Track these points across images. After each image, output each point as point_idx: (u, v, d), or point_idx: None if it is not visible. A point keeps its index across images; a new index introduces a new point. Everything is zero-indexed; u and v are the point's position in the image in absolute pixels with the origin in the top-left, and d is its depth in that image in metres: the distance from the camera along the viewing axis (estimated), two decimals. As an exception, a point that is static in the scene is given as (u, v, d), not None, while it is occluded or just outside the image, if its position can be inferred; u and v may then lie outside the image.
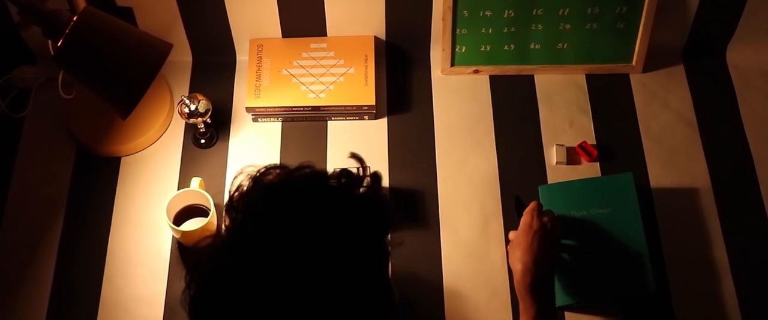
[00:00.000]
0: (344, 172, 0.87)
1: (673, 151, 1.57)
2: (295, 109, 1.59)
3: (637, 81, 1.65)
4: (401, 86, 1.65)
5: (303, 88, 1.60)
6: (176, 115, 1.60)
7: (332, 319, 0.83)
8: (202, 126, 1.56)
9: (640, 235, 1.43)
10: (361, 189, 0.86)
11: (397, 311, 0.92)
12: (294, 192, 0.85)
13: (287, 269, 0.81)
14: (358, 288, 0.84)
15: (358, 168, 0.89)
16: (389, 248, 0.87)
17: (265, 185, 0.87)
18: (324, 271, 0.81)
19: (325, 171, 0.87)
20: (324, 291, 0.82)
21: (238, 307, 0.82)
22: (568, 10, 1.58)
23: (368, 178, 0.87)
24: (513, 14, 1.59)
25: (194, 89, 1.64)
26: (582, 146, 1.56)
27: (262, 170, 0.89)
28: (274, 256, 0.81)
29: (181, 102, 1.51)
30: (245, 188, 0.88)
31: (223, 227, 0.88)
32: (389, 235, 0.87)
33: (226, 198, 0.90)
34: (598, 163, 1.56)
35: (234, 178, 0.89)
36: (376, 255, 0.87)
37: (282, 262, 0.81)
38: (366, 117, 1.61)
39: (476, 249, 1.48)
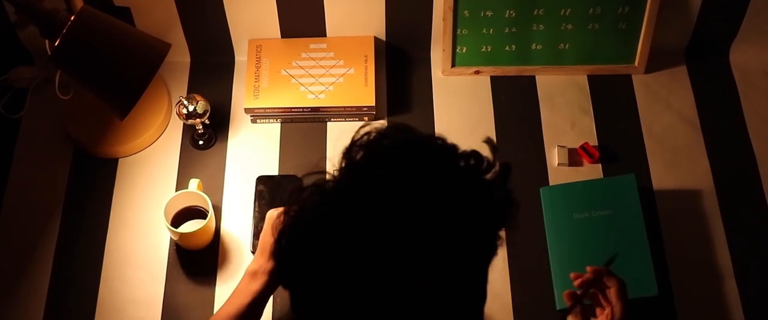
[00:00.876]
0: (474, 154, 0.82)
1: (675, 153, 1.58)
2: (295, 110, 1.59)
3: (639, 82, 1.65)
4: (401, 87, 1.65)
5: (302, 88, 1.61)
6: (174, 116, 1.60)
7: (422, 298, 0.79)
8: (201, 127, 1.56)
9: (643, 237, 1.43)
10: (488, 176, 0.82)
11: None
12: (422, 159, 0.81)
13: (393, 233, 0.77)
14: (457, 276, 0.81)
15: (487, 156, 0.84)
16: (498, 244, 0.83)
17: (394, 142, 0.82)
18: (430, 247, 0.77)
19: (457, 147, 0.83)
20: (422, 267, 0.77)
21: (328, 253, 0.79)
22: (569, 10, 1.59)
23: (497, 168, 0.83)
24: (514, 14, 1.59)
25: (192, 90, 1.64)
26: (584, 147, 1.57)
27: (390, 128, 0.84)
28: (385, 214, 0.77)
29: (179, 103, 1.51)
30: (373, 137, 0.83)
31: (336, 169, 0.83)
32: (502, 231, 0.83)
33: (349, 141, 0.85)
34: (600, 165, 1.56)
35: (361, 128, 0.84)
36: (485, 247, 0.83)
37: (390, 223, 0.77)
38: (366, 118, 1.62)
39: (477, 251, 1.48)
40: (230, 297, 1.23)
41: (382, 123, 0.83)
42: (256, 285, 1.21)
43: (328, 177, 0.83)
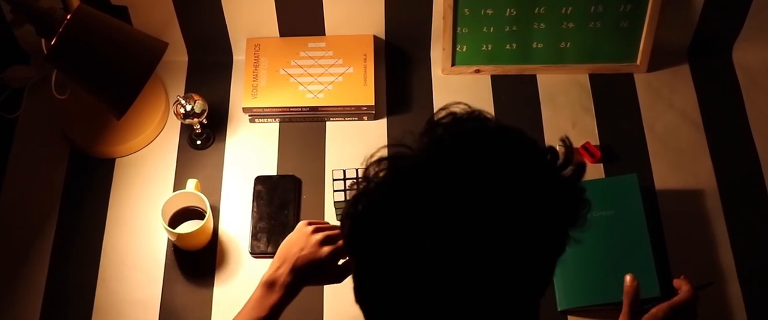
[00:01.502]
0: (551, 150, 0.82)
1: (678, 152, 1.58)
2: (293, 109, 1.59)
3: (641, 80, 1.65)
4: (401, 86, 1.65)
5: (301, 88, 1.61)
6: (172, 116, 1.60)
7: (489, 286, 0.79)
8: (198, 127, 1.56)
9: (644, 237, 1.43)
10: (564, 174, 0.82)
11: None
12: (499, 144, 0.81)
13: (472, 217, 0.77)
14: (525, 269, 0.81)
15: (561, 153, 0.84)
16: (568, 243, 0.84)
17: (477, 126, 0.82)
18: (506, 235, 0.78)
19: (534, 140, 0.83)
20: (495, 255, 0.78)
21: (407, 227, 0.78)
22: (570, 8, 1.58)
23: (572, 166, 0.83)
24: (515, 13, 1.59)
25: (190, 89, 1.64)
26: (585, 147, 1.57)
27: (469, 113, 0.84)
28: (467, 196, 0.77)
29: (177, 102, 1.51)
30: (452, 119, 0.83)
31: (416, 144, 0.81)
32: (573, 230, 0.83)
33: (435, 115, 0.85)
34: (601, 165, 1.56)
35: (441, 110, 0.84)
36: (555, 245, 0.83)
37: (470, 207, 0.77)
38: (365, 117, 1.62)
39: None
40: (245, 308, 1.22)
41: (461, 107, 0.83)
42: (273, 298, 1.20)
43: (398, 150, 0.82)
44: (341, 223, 0.85)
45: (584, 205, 0.83)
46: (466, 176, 0.79)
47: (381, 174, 0.81)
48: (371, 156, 0.83)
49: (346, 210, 0.83)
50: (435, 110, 1.60)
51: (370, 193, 0.81)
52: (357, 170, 1.46)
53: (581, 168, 0.83)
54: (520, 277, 0.81)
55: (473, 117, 0.84)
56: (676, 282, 1.28)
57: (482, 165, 0.79)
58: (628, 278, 1.24)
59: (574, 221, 0.83)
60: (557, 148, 0.83)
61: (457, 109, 0.85)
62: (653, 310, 1.23)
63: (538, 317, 0.88)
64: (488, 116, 0.84)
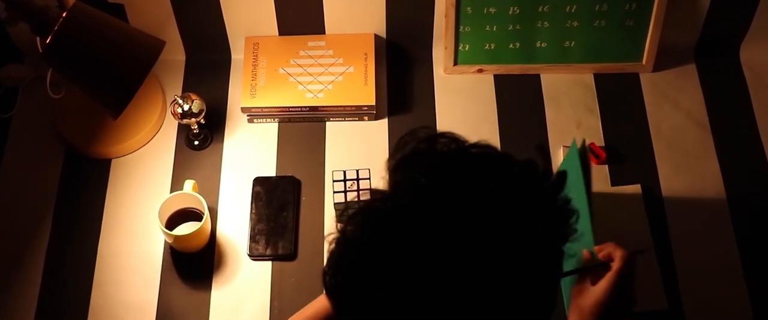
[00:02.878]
0: (530, 163, 0.81)
1: (684, 154, 1.58)
2: (293, 109, 1.60)
3: (647, 80, 1.65)
4: (402, 86, 1.65)
5: (300, 87, 1.61)
6: (169, 116, 1.60)
7: (490, 314, 0.78)
8: (196, 127, 1.56)
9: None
10: (544, 185, 0.81)
11: None
12: (476, 170, 0.79)
13: (453, 253, 0.75)
14: (525, 294, 0.79)
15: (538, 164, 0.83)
16: (564, 259, 0.82)
17: (444, 153, 0.80)
18: (501, 262, 0.77)
19: (509, 156, 0.81)
20: (496, 284, 0.77)
21: (398, 281, 0.76)
22: (575, 6, 1.59)
23: (553, 177, 0.82)
24: (518, 11, 1.59)
25: (187, 88, 1.64)
26: (590, 148, 1.57)
27: (435, 135, 0.82)
28: (444, 236, 0.76)
29: (174, 102, 1.51)
30: (418, 150, 0.81)
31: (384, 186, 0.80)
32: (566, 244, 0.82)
33: (390, 156, 0.83)
34: (606, 166, 1.56)
35: (402, 139, 0.82)
36: (551, 262, 0.82)
37: (449, 245, 0.75)
38: (366, 117, 1.62)
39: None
40: (313, 304, 1.22)
41: (424, 131, 0.79)
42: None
43: (372, 196, 0.80)
44: (327, 292, 0.82)
45: (570, 215, 0.81)
46: (448, 217, 0.76)
47: (358, 230, 0.79)
48: (342, 211, 0.81)
49: (329, 281, 0.80)
50: (436, 110, 1.62)
51: (350, 254, 0.79)
52: (357, 171, 1.46)
53: (562, 177, 0.82)
54: (523, 304, 0.80)
55: (439, 144, 0.81)
56: (605, 252, 1.23)
57: (462, 201, 0.77)
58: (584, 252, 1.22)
59: (565, 234, 0.81)
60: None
61: (421, 134, 0.82)
62: (595, 289, 1.20)
63: None
64: (454, 138, 0.82)
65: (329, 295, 0.82)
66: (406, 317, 0.77)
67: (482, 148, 0.82)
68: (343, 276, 0.80)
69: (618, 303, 1.19)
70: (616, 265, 1.21)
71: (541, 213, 0.80)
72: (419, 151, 0.81)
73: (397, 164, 0.81)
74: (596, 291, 1.19)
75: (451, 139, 0.82)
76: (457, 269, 0.75)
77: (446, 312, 0.76)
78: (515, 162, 0.81)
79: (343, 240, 0.80)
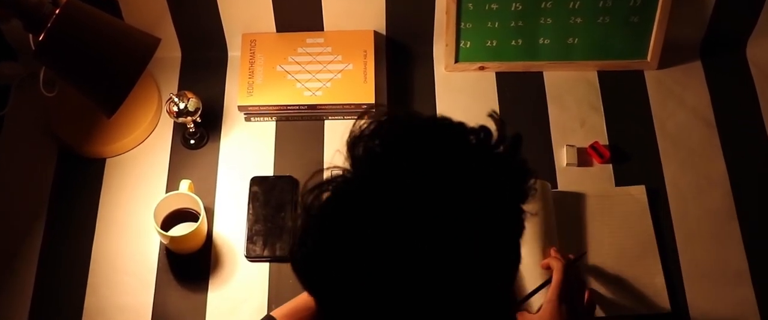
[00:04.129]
0: (483, 129, 0.83)
1: (690, 152, 1.58)
2: (290, 107, 1.59)
3: (652, 78, 1.65)
4: (402, 84, 1.65)
5: (298, 85, 1.60)
6: (164, 114, 1.60)
7: (458, 284, 0.80)
8: (192, 125, 1.56)
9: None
10: (500, 150, 0.84)
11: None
12: (432, 139, 0.82)
13: (413, 217, 0.78)
14: (487, 256, 0.82)
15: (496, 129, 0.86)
16: (524, 218, 0.85)
17: (403, 125, 0.83)
18: (461, 230, 0.79)
19: (464, 124, 0.84)
20: (455, 253, 0.79)
21: (359, 254, 0.79)
22: (578, 2, 1.58)
23: (508, 140, 0.84)
24: (520, 7, 1.59)
25: (183, 86, 1.64)
26: (594, 147, 1.56)
27: (392, 113, 0.85)
28: (402, 201, 0.78)
29: (170, 100, 1.51)
30: (378, 125, 0.84)
31: (345, 164, 0.83)
32: (525, 204, 0.84)
33: (349, 135, 0.85)
34: (610, 165, 1.56)
35: (361, 117, 0.85)
36: (511, 223, 0.85)
37: (408, 210, 0.78)
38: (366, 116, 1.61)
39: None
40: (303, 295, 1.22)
41: (381, 109, 0.83)
42: None
43: (334, 172, 0.83)
44: (291, 262, 0.84)
45: (528, 176, 0.84)
46: (406, 182, 0.79)
47: (321, 204, 0.81)
48: (305, 185, 0.83)
49: (294, 256, 0.82)
50: (437, 108, 1.62)
51: (314, 227, 0.81)
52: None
53: (517, 139, 0.84)
54: (485, 266, 0.82)
55: (396, 118, 0.84)
56: (544, 263, 1.29)
57: (418, 166, 0.80)
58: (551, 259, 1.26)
59: (523, 194, 0.84)
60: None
61: (377, 115, 0.85)
62: (547, 302, 1.24)
63: (510, 306, 0.88)
64: (411, 112, 0.85)
65: (295, 270, 0.84)
66: (369, 287, 0.79)
67: (437, 119, 0.85)
68: (307, 249, 0.82)
69: (567, 317, 1.22)
70: (554, 278, 1.25)
71: (498, 175, 0.82)
72: (375, 126, 0.84)
73: (354, 139, 0.83)
74: (539, 315, 1.23)
75: (407, 113, 0.85)
76: (417, 236, 0.78)
77: (409, 279, 0.78)
78: (470, 129, 0.84)
79: (305, 214, 0.82)
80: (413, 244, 0.78)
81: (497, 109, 1.62)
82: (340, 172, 0.82)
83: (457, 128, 0.83)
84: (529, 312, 1.29)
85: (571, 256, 1.34)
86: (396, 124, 0.84)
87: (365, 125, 0.84)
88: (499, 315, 0.86)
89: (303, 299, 1.25)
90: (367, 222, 0.79)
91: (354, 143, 0.83)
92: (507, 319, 0.87)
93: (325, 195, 0.81)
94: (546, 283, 1.30)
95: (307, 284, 0.83)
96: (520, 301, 1.35)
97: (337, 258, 0.80)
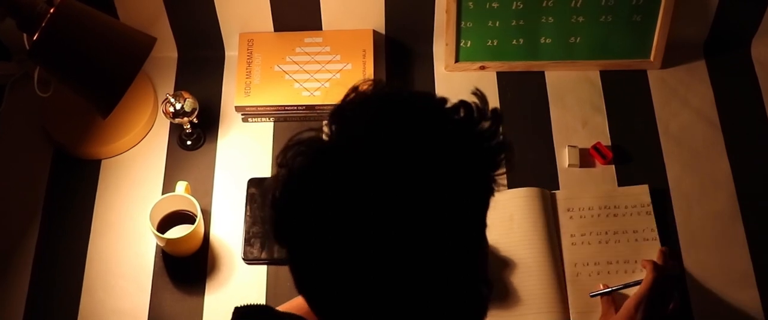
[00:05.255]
0: (464, 104, 0.85)
1: (694, 153, 1.58)
2: (288, 108, 1.60)
3: (655, 77, 1.66)
4: (402, 83, 1.65)
5: (296, 85, 1.61)
6: (160, 115, 1.60)
7: (425, 254, 0.82)
8: (189, 126, 1.56)
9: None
10: (482, 126, 0.85)
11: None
12: (411, 113, 0.84)
13: (387, 190, 0.80)
14: (459, 228, 0.84)
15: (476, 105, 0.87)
16: (495, 187, 0.87)
17: (382, 96, 0.86)
18: (431, 200, 0.81)
19: (445, 99, 0.86)
20: (424, 221, 0.81)
21: (328, 211, 0.81)
22: (580, 1, 1.59)
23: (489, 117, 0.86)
24: (521, 6, 1.59)
25: (180, 87, 1.64)
26: (596, 147, 1.57)
27: (374, 85, 0.88)
28: (377, 174, 0.81)
29: (166, 100, 1.51)
30: (361, 96, 0.87)
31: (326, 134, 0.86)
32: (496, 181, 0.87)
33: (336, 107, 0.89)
34: (613, 166, 1.56)
35: (352, 91, 0.88)
36: (483, 195, 0.86)
37: (383, 182, 0.80)
38: (364, 116, 1.61)
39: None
40: None
41: (366, 84, 0.86)
42: None
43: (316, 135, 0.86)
44: (267, 213, 0.87)
45: (504, 148, 0.86)
46: (383, 147, 0.82)
47: (299, 159, 0.84)
48: (288, 142, 0.85)
49: (269, 200, 0.86)
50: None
51: (290, 179, 0.84)
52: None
53: (496, 114, 0.86)
54: (455, 231, 0.83)
55: (379, 90, 0.87)
56: (643, 262, 1.32)
57: (397, 134, 0.82)
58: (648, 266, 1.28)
59: (496, 164, 0.86)
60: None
61: (363, 86, 0.88)
62: (626, 303, 1.25)
63: (484, 271, 0.90)
64: (394, 87, 0.89)
65: (271, 221, 0.86)
66: (337, 242, 0.82)
67: (418, 92, 0.88)
68: (283, 201, 0.85)
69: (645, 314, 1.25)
70: (644, 282, 1.29)
71: (475, 152, 0.85)
72: (359, 97, 0.87)
73: (337, 108, 0.87)
74: (616, 316, 1.28)
75: (391, 86, 0.91)
76: (387, 194, 0.80)
77: (376, 234, 0.80)
78: (447, 106, 0.86)
79: (285, 168, 0.85)
80: (383, 202, 0.80)
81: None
82: (322, 135, 0.86)
83: (438, 102, 0.86)
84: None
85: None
86: (378, 96, 0.87)
87: (351, 96, 0.87)
88: (467, 290, 0.87)
89: (297, 301, 1.25)
90: (341, 180, 0.81)
91: (337, 111, 0.86)
92: (476, 298, 0.89)
93: (304, 151, 0.85)
94: (635, 283, 1.32)
95: (276, 232, 0.87)
96: (602, 292, 1.40)
97: (305, 211, 0.83)
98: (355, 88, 0.88)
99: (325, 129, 0.86)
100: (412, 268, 0.81)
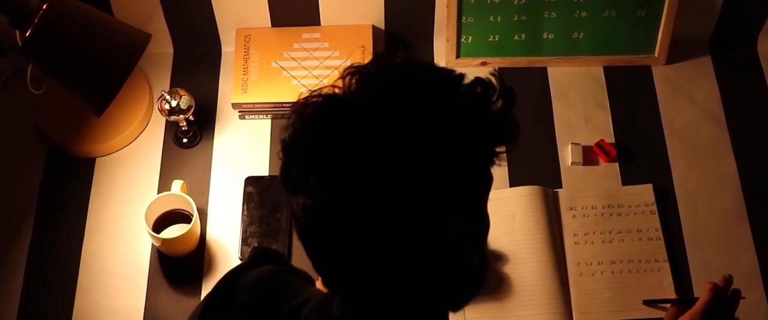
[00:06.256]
0: (479, 81, 0.87)
1: (699, 151, 1.57)
2: (286, 105, 1.59)
3: (659, 74, 1.65)
4: (402, 80, 1.65)
5: (294, 82, 1.60)
6: (156, 112, 1.60)
7: (425, 223, 0.83)
8: (185, 124, 1.56)
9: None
10: (494, 102, 0.87)
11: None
12: (428, 78, 0.87)
13: (392, 148, 0.82)
14: (460, 200, 0.86)
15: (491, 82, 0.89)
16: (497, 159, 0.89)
17: (406, 63, 0.88)
18: (433, 169, 0.83)
19: (463, 75, 0.88)
20: (427, 189, 0.83)
21: (335, 166, 0.83)
22: (584, -4, 1.59)
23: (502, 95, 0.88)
24: (524, 1, 1.59)
25: (175, 84, 1.64)
26: (599, 145, 1.56)
27: (398, 51, 0.91)
28: (383, 129, 0.83)
29: (161, 97, 1.51)
30: (379, 58, 0.90)
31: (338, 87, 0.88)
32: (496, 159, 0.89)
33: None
34: (616, 164, 1.56)
35: (380, 53, 0.90)
36: (484, 174, 0.89)
37: (391, 139, 0.83)
38: (363, 113, 1.61)
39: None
40: None
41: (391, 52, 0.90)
42: None
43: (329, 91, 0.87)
44: (282, 153, 0.89)
45: (511, 125, 0.88)
46: (395, 104, 0.84)
47: (310, 107, 0.86)
48: (303, 94, 0.87)
49: (282, 143, 0.87)
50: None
51: (300, 124, 0.86)
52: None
53: (510, 94, 0.88)
54: (456, 193, 0.85)
55: (399, 57, 0.89)
56: (706, 284, 1.29)
57: (411, 94, 0.84)
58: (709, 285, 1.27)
59: (500, 139, 0.88)
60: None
61: (389, 56, 0.90)
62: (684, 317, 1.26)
63: (481, 247, 0.92)
64: (413, 57, 0.89)
65: (284, 163, 0.88)
66: (346, 191, 0.83)
67: (441, 67, 0.90)
68: (291, 145, 0.87)
69: None
70: (699, 302, 1.26)
71: (483, 127, 0.87)
72: (377, 61, 0.89)
73: (354, 67, 0.88)
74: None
75: (412, 58, 0.90)
76: (394, 153, 0.82)
77: (379, 193, 0.82)
78: (462, 82, 0.88)
79: (297, 116, 0.87)
80: (387, 155, 0.82)
81: (500, 106, 1.61)
82: (336, 90, 0.87)
83: (456, 76, 0.88)
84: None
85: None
86: (401, 60, 0.88)
87: (371, 60, 0.89)
88: (462, 262, 0.89)
89: None
90: (347, 129, 0.83)
91: (358, 68, 0.88)
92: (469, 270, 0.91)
93: (316, 101, 0.86)
94: (689, 301, 1.31)
95: (284, 178, 0.88)
96: (657, 301, 1.40)
97: (314, 158, 0.84)
98: (379, 54, 0.90)
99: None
100: (408, 223, 0.83)
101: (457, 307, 0.93)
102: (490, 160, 0.88)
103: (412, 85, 0.85)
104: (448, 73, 0.88)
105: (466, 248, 0.89)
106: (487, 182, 0.90)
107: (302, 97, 0.88)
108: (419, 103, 0.84)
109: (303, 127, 0.86)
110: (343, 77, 0.87)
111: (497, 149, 0.87)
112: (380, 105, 0.84)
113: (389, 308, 0.89)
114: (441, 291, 0.89)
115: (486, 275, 0.93)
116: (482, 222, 0.92)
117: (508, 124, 0.87)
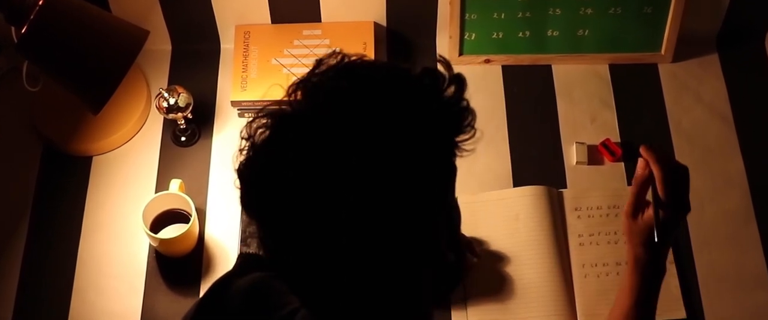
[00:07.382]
0: (428, 71, 0.88)
1: (706, 150, 1.57)
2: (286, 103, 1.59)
3: (666, 71, 1.65)
4: (404, 77, 1.65)
5: (295, 79, 1.60)
6: (154, 110, 1.60)
7: (392, 225, 0.84)
8: (183, 122, 1.56)
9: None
10: (446, 93, 0.88)
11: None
12: (374, 78, 0.87)
13: (349, 157, 0.82)
14: (424, 196, 0.86)
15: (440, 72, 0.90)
16: (459, 152, 0.89)
17: (348, 65, 0.89)
18: (388, 163, 0.83)
19: (409, 67, 0.89)
20: (389, 191, 0.83)
21: (285, 180, 0.84)
22: (589, -8, 1.59)
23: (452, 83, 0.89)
24: (528, -3, 1.59)
25: (174, 81, 1.64)
26: (605, 144, 1.56)
27: (341, 57, 0.91)
28: (337, 139, 0.83)
29: (159, 95, 1.51)
30: (321, 67, 0.90)
31: (291, 99, 0.88)
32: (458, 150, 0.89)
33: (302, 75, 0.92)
34: (622, 163, 1.56)
35: (320, 59, 0.91)
36: (447, 165, 0.89)
37: (346, 147, 0.83)
38: (364, 112, 1.61)
39: (487, 258, 1.48)
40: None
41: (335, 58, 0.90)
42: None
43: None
44: (239, 178, 0.90)
45: (466, 113, 0.88)
46: (344, 111, 0.84)
47: (261, 129, 0.87)
48: (253, 117, 0.88)
49: (237, 172, 0.89)
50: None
51: (253, 148, 0.87)
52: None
53: (460, 80, 0.89)
54: (419, 189, 0.85)
55: (342, 61, 0.89)
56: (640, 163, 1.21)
57: (358, 98, 0.85)
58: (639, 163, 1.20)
59: (458, 129, 0.88)
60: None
61: (330, 59, 0.90)
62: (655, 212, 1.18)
63: (452, 239, 0.93)
64: (357, 57, 0.90)
65: (242, 187, 0.89)
66: (304, 205, 0.84)
67: (385, 62, 0.91)
68: (246, 171, 0.89)
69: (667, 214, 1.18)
70: (655, 174, 1.18)
71: (438, 118, 0.87)
72: (321, 67, 0.90)
73: (299, 80, 0.89)
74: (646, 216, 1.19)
75: (357, 59, 0.91)
76: (350, 161, 0.82)
77: (340, 203, 0.82)
78: (410, 74, 0.88)
79: (248, 140, 0.88)
80: (343, 164, 0.82)
81: (504, 105, 1.62)
82: (284, 107, 0.88)
83: (402, 70, 0.88)
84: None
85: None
86: (342, 65, 0.89)
87: (318, 67, 0.89)
88: (432, 255, 0.90)
89: None
90: (300, 145, 0.83)
91: (300, 81, 0.89)
92: (441, 264, 0.92)
93: (266, 123, 0.87)
94: (646, 182, 1.20)
95: (244, 204, 0.90)
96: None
97: (271, 184, 0.85)
98: (320, 61, 0.90)
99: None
100: (376, 230, 0.83)
101: (439, 302, 0.93)
102: (450, 152, 0.88)
103: (357, 89, 0.85)
104: (392, 69, 0.89)
105: (437, 243, 0.89)
106: (450, 174, 0.90)
107: (248, 119, 0.88)
108: (368, 105, 0.84)
109: (256, 153, 0.87)
110: (288, 93, 0.88)
111: (456, 139, 0.88)
112: (329, 116, 0.84)
113: (372, 313, 0.89)
114: (420, 289, 0.90)
115: (463, 266, 0.93)
116: (451, 215, 0.92)
117: (461, 111, 0.88)
